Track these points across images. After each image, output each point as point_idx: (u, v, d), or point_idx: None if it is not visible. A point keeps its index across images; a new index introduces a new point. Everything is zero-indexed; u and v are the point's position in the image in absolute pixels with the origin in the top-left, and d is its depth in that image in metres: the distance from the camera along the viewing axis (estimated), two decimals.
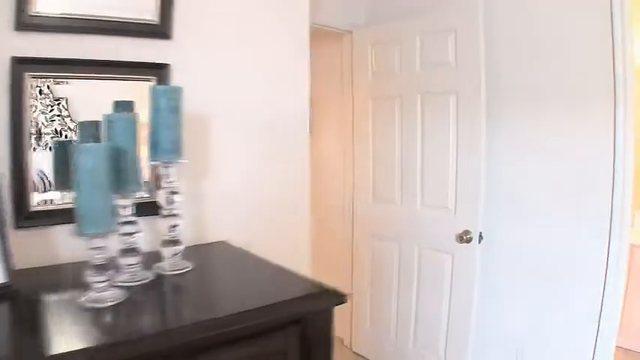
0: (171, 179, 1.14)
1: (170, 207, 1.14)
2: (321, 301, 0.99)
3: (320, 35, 2.94)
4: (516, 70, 2.22)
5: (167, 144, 1.12)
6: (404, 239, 2.54)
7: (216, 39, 1.49)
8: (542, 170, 2.15)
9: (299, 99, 1.65)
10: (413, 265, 2.50)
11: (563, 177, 2.08)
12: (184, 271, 1.15)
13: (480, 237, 2.22)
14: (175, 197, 1.14)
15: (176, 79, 1.40)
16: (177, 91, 1.15)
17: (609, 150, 1.90)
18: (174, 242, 1.16)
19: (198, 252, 1.36)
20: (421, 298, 2.47)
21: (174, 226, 1.15)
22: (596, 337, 1.95)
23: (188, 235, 1.40)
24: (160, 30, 1.40)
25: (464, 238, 2.23)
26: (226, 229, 1.48)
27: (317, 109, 3.21)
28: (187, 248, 1.35)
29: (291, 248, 1.61)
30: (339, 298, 1.00)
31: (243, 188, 1.54)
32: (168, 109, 1.12)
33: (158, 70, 1.38)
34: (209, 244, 1.42)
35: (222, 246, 1.40)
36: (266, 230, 1.56)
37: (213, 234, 1.46)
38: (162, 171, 1.14)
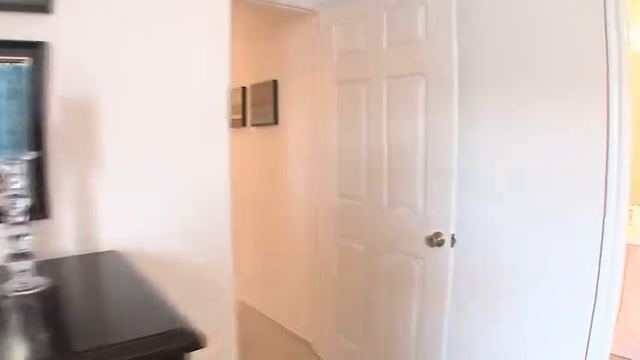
0: (13, 179, 0.93)
1: (14, 214, 0.94)
2: (168, 344, 0.77)
3: (287, 18, 2.71)
4: (496, 53, 1.96)
5: (6, 136, 0.91)
6: (370, 240, 2.30)
7: (109, 11, 1.26)
8: (526, 166, 1.91)
9: (217, 82, 1.41)
10: (380, 269, 2.26)
11: (549, 174, 1.84)
12: (34, 291, 0.94)
13: (453, 240, 1.98)
14: (19, 202, 0.93)
15: (58, 59, 1.18)
16: (18, 72, 0.94)
17: (602, 145, 1.66)
18: (23, 256, 0.95)
19: (76, 264, 1.15)
20: (389, 305, 2.24)
21: (19, 237, 0.94)
22: (588, 344, 1.74)
23: (72, 244, 1.21)
24: (37, 3, 1.18)
25: (435, 240, 1.99)
26: (124, 236, 1.27)
27: (284, 99, 2.99)
28: (65, 259, 1.16)
29: (207, 256, 1.40)
30: (193, 341, 0.78)
31: (145, 188, 1.31)
32: (8, 94, 0.91)
33: (33, 50, 1.16)
34: (96, 254, 1.21)
35: (107, 257, 1.18)
36: (173, 236, 1.34)
37: (108, 242, 1.25)
38: (2, 169, 0.93)
